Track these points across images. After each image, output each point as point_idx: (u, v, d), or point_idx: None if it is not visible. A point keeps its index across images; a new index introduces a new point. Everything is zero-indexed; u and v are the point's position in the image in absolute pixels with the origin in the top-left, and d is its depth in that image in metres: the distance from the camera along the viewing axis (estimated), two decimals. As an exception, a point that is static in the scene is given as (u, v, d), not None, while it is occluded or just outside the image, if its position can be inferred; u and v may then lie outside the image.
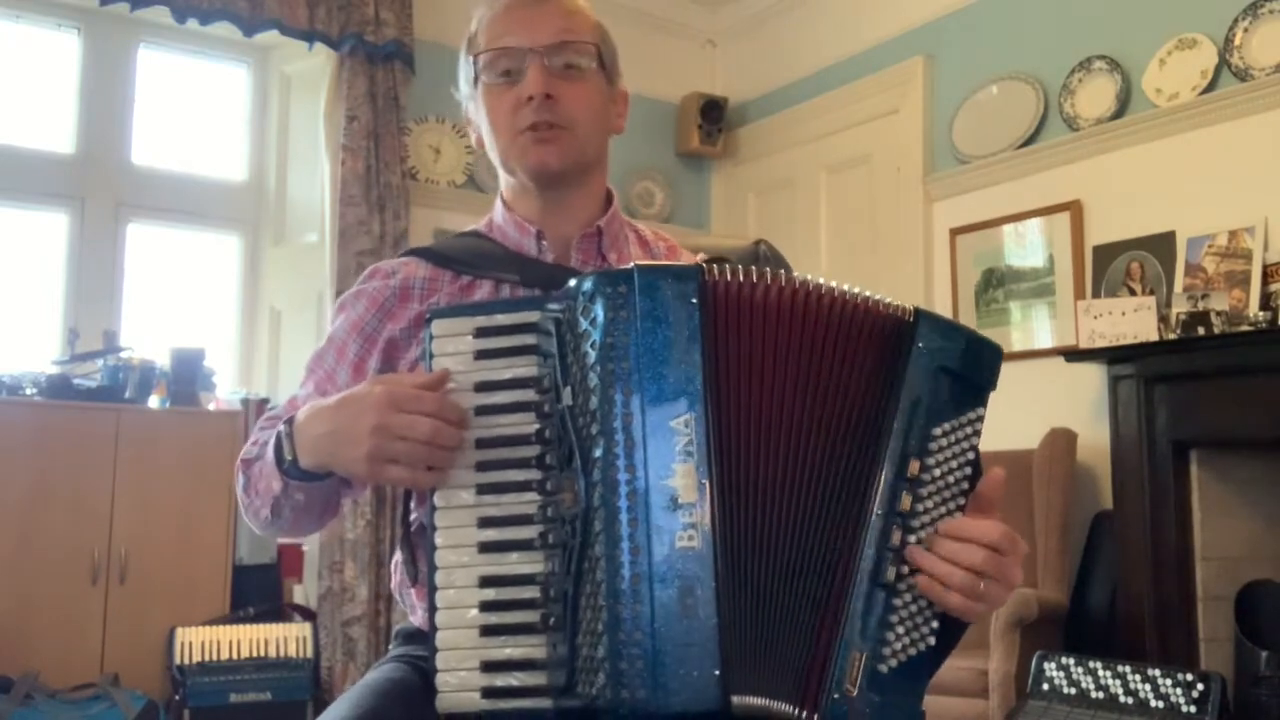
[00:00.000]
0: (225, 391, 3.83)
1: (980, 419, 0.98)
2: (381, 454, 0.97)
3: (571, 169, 1.23)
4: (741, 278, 0.97)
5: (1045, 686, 2.70)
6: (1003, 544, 0.95)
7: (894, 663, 0.94)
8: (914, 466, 0.95)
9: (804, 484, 0.97)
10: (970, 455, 0.97)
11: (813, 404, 0.97)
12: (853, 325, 0.98)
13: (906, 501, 0.95)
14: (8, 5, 3.77)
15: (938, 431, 0.96)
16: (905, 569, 0.95)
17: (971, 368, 0.98)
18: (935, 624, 0.96)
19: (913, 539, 0.95)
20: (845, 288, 0.98)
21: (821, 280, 0.99)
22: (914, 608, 0.95)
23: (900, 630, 0.95)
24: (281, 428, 1.10)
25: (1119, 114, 3.31)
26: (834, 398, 0.97)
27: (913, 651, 0.95)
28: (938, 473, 0.96)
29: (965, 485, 0.97)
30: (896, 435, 0.96)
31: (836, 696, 0.93)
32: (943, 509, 0.96)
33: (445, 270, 1.25)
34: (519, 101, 1.19)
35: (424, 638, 1.19)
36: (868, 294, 0.99)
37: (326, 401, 1.06)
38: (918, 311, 0.98)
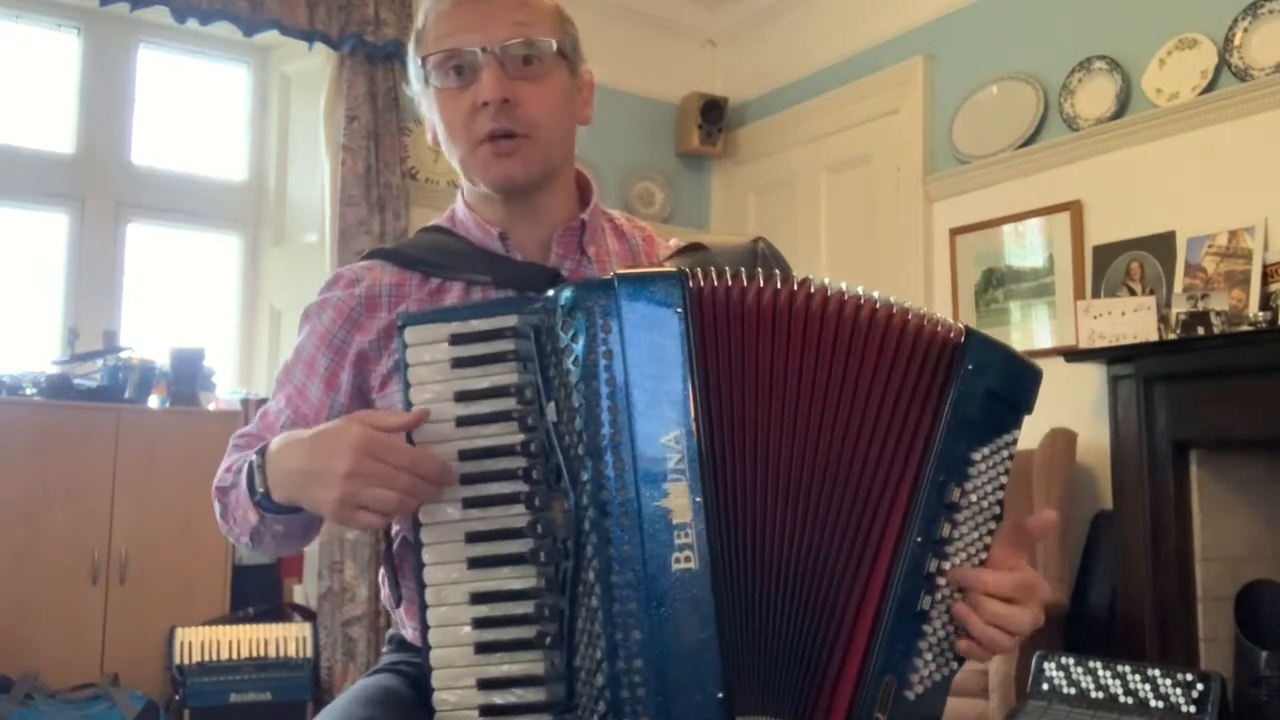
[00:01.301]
0: (225, 391, 3.83)
1: (1015, 441, 0.95)
2: (352, 500, 0.92)
3: (537, 178, 1.15)
4: (730, 281, 0.93)
5: (1045, 686, 2.70)
6: (1025, 596, 0.94)
7: (920, 689, 0.93)
8: (955, 493, 0.93)
9: (814, 499, 0.93)
10: (1003, 479, 0.95)
11: (823, 415, 0.93)
12: (873, 332, 0.93)
13: (945, 529, 0.93)
14: (8, 5, 3.77)
15: (977, 456, 0.93)
16: (939, 596, 0.93)
17: (1014, 389, 0.95)
18: (958, 653, 0.96)
19: (946, 565, 0.93)
20: (861, 292, 0.94)
21: (827, 281, 0.94)
22: (942, 633, 0.94)
23: (928, 657, 0.94)
24: (253, 458, 1.05)
25: (1119, 114, 3.31)
26: (854, 410, 0.93)
27: (937, 677, 0.94)
28: (974, 498, 0.94)
29: (997, 510, 0.95)
30: (937, 459, 0.92)
31: None
32: (975, 534, 0.94)
33: (412, 273, 1.18)
34: (474, 107, 1.10)
35: (416, 646, 1.17)
36: (899, 303, 0.94)
37: (301, 434, 1.01)
38: (968, 330, 0.94)
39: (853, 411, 0.93)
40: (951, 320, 0.95)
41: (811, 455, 0.93)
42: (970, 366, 0.93)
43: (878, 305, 0.94)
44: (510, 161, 1.12)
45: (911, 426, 0.94)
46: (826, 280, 0.95)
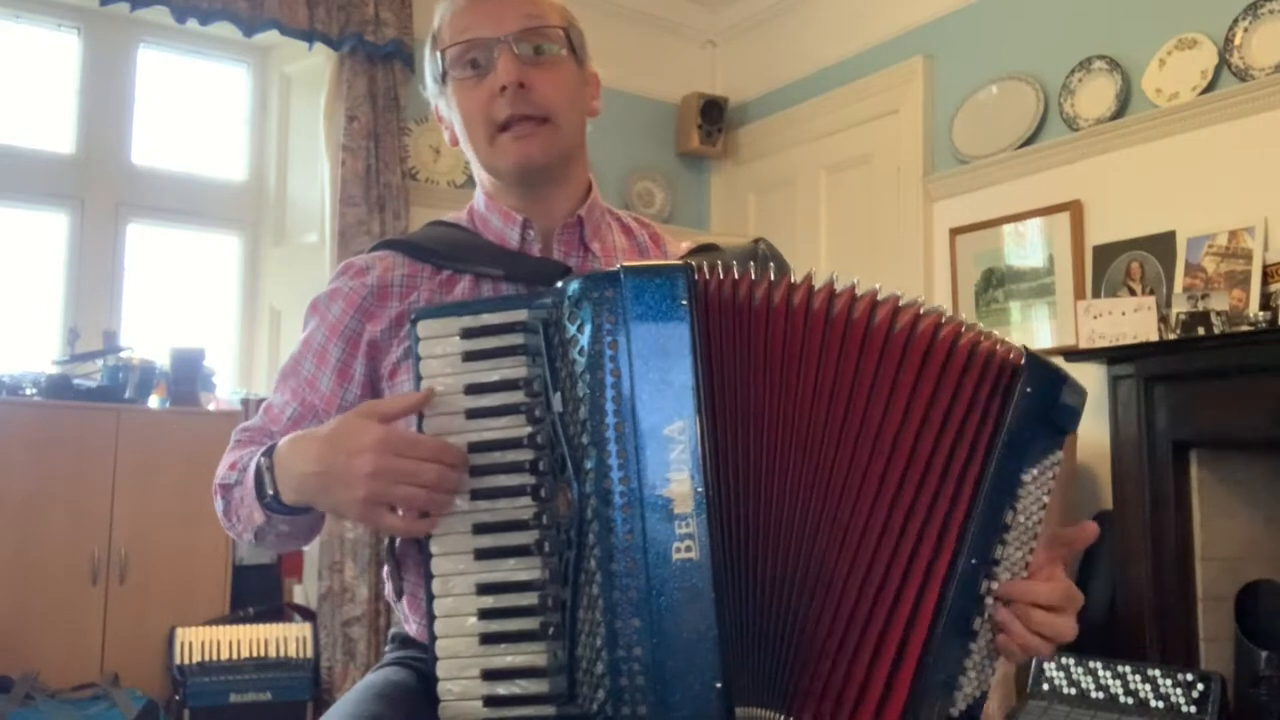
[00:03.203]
0: (225, 391, 3.83)
1: (1060, 462, 0.95)
2: (379, 499, 0.93)
3: (555, 161, 1.19)
4: (737, 276, 0.93)
5: (1045, 686, 2.70)
6: (1068, 605, 0.95)
7: (963, 706, 0.93)
8: (1009, 515, 0.92)
9: (835, 500, 0.92)
10: (1046, 499, 0.94)
11: (846, 419, 0.92)
12: (891, 342, 0.92)
13: (998, 550, 0.92)
14: (8, 5, 3.77)
15: (1027, 477, 0.93)
16: (987, 615, 0.93)
17: (1065, 411, 0.94)
18: (997, 665, 0.96)
19: (994, 585, 0.93)
20: (902, 297, 0.93)
21: (856, 281, 0.94)
22: (986, 652, 0.94)
23: (972, 675, 0.94)
24: (261, 460, 1.05)
25: (1119, 114, 3.31)
26: (892, 418, 0.92)
27: (976, 695, 0.94)
28: (1022, 519, 0.93)
29: (1038, 529, 0.95)
30: (993, 480, 0.91)
31: None
32: (1020, 553, 0.94)
33: (423, 264, 1.20)
34: (492, 94, 1.16)
35: (419, 642, 1.17)
36: (945, 313, 0.93)
37: (312, 434, 1.00)
38: (1028, 353, 0.94)
39: (888, 419, 0.92)
40: (1003, 337, 0.95)
41: (831, 455, 0.92)
42: (1029, 389, 0.92)
43: (922, 312, 0.93)
44: (529, 143, 1.17)
45: (966, 445, 0.92)
46: (856, 280, 0.94)
